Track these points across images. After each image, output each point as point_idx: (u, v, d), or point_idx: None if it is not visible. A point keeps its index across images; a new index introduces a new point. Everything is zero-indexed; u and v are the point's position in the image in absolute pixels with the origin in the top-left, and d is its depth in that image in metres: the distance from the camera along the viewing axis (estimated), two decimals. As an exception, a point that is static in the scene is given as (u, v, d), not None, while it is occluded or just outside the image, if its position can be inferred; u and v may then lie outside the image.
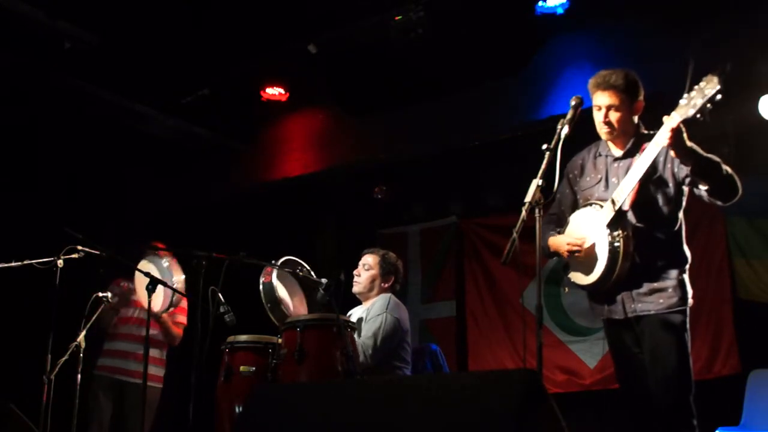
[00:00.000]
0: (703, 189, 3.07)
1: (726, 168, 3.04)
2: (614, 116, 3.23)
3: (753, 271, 5.92)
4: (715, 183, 3.03)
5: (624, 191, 3.13)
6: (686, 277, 3.21)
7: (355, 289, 4.41)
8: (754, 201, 5.76)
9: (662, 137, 2.94)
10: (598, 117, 3.28)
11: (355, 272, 4.41)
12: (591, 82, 3.28)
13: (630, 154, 3.27)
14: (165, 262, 4.72)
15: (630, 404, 3.28)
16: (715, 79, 2.81)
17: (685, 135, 2.92)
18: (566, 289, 3.41)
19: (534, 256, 2.96)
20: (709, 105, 2.83)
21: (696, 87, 2.86)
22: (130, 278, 5.04)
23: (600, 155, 3.40)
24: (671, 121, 2.90)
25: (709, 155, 3.03)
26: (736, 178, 3.06)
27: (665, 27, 4.88)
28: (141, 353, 4.90)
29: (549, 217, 3.49)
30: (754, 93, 5.08)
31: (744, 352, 5.80)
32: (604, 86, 3.22)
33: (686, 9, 4.75)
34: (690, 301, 3.19)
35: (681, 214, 3.23)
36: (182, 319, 5.22)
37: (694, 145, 2.99)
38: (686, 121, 2.89)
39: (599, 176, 3.35)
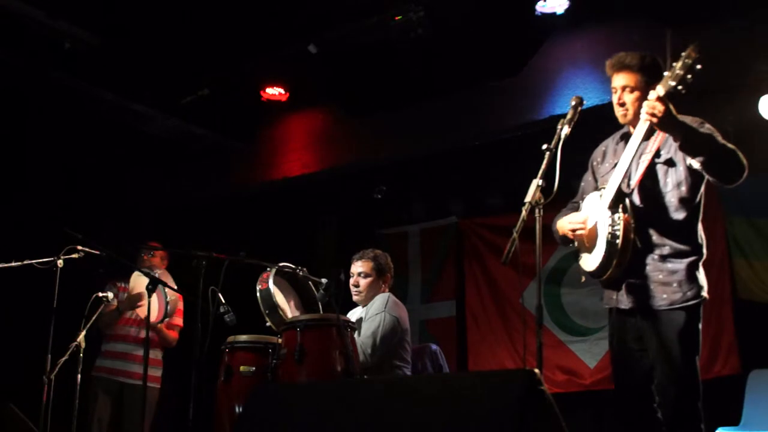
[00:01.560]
0: (696, 165, 2.96)
1: (724, 142, 2.95)
2: (629, 98, 3.14)
3: (753, 271, 5.92)
4: (707, 156, 2.91)
5: (620, 171, 3.07)
6: (698, 270, 3.09)
7: (357, 299, 4.38)
8: (754, 201, 5.77)
9: (643, 110, 2.91)
10: (614, 99, 3.21)
11: (352, 282, 4.35)
12: (607, 64, 3.22)
13: (646, 137, 3.13)
14: (156, 274, 4.73)
15: (618, 402, 3.18)
16: (694, 51, 2.78)
17: (672, 108, 2.86)
18: (583, 279, 3.26)
19: (534, 256, 2.93)
20: (689, 76, 2.79)
21: (677, 60, 2.82)
22: (126, 278, 5.04)
23: (621, 141, 3.32)
24: (652, 94, 2.88)
25: (704, 130, 2.96)
26: (739, 155, 2.94)
27: (665, 27, 4.87)
28: (139, 354, 4.93)
29: (571, 205, 3.42)
30: (754, 93, 5.08)
31: (744, 352, 5.80)
32: (618, 67, 3.16)
33: (687, 9, 4.75)
34: (703, 296, 3.07)
35: (697, 201, 3.10)
36: (178, 321, 5.23)
37: (686, 120, 2.94)
38: (668, 93, 2.84)
39: (616, 161, 3.26)
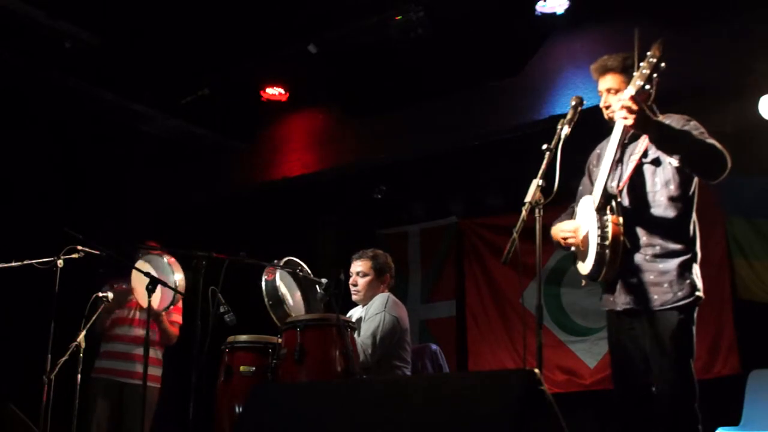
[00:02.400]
0: (675, 162, 2.96)
1: (702, 138, 2.94)
2: (614, 100, 3.11)
3: (753, 271, 5.92)
4: (684, 153, 2.91)
5: (603, 173, 3.07)
6: (691, 270, 3.03)
7: (356, 298, 4.39)
8: (755, 201, 5.77)
9: (616, 112, 2.92)
10: (600, 103, 3.21)
11: (351, 281, 4.37)
12: (591, 68, 3.24)
13: (634, 137, 3.15)
14: (165, 260, 4.73)
15: (617, 404, 3.16)
16: (658, 49, 2.79)
17: (644, 108, 2.87)
18: (583, 283, 3.23)
19: (534, 256, 2.92)
20: (654, 75, 2.81)
21: (644, 60, 2.83)
22: (126, 279, 5.04)
23: None
24: (624, 94, 2.89)
25: (688, 127, 2.96)
26: (720, 149, 2.92)
27: (666, 27, 4.87)
28: (139, 354, 4.92)
29: (570, 208, 3.41)
30: (754, 93, 5.08)
31: (744, 352, 5.80)
32: (602, 70, 3.19)
33: (687, 9, 4.75)
34: (697, 295, 3.02)
35: (688, 199, 3.07)
36: (177, 318, 5.23)
37: (672, 119, 2.92)
38: (638, 92, 2.84)
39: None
